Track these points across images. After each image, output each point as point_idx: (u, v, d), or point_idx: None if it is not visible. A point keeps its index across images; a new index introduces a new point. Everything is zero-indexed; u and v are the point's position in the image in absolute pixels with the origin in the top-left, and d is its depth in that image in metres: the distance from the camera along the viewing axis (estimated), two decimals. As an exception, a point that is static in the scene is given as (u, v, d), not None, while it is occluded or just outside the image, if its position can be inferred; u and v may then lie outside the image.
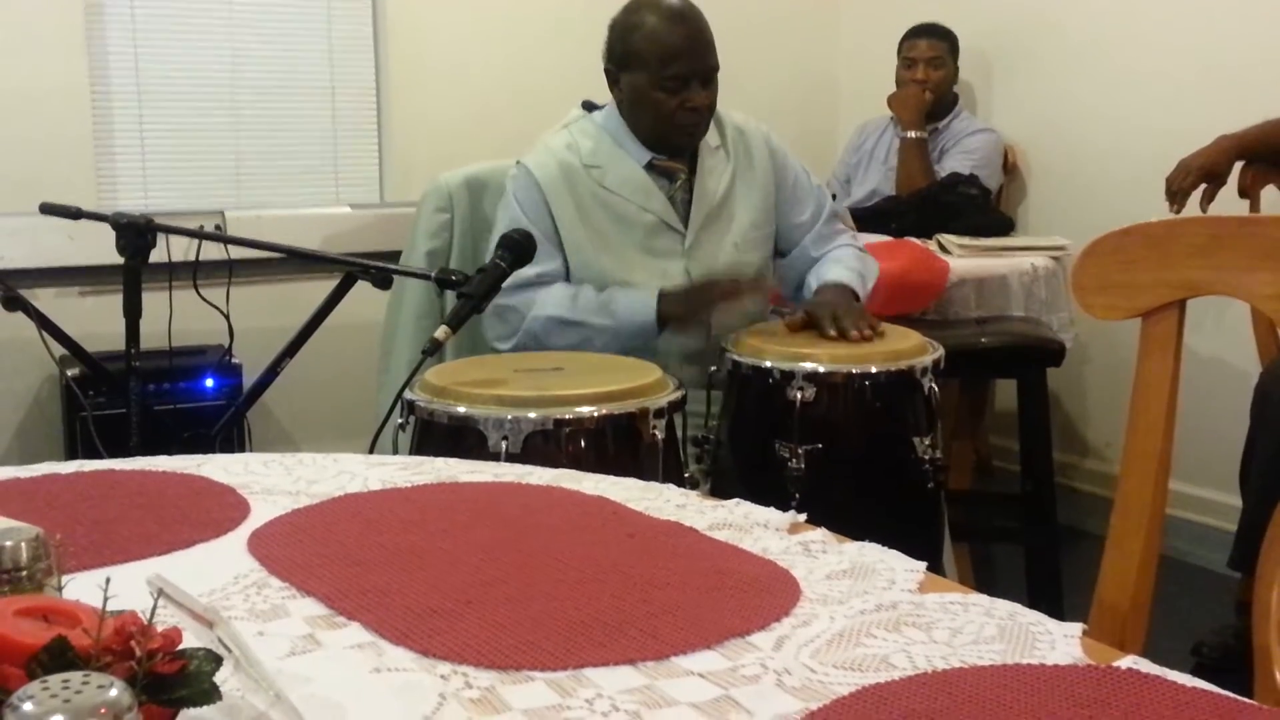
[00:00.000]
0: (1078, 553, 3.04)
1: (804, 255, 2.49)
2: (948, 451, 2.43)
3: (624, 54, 2.35)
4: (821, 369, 2.07)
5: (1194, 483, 3.30)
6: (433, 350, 1.98)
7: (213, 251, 2.79)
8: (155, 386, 2.96)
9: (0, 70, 3.23)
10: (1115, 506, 1.24)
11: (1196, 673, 0.76)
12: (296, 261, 2.98)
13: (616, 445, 1.85)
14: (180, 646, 0.65)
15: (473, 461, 1.31)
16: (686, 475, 2.01)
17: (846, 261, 2.42)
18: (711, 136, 2.44)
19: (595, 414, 1.83)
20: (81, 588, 0.73)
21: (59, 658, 0.61)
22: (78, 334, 2.73)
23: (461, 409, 1.83)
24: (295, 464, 1.27)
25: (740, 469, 2.19)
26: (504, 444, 1.79)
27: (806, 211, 2.51)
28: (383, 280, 2.40)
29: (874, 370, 2.09)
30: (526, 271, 2.22)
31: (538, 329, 2.29)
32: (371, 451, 1.96)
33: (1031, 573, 2.94)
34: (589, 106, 2.53)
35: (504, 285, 2.14)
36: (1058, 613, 0.85)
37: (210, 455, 1.30)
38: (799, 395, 2.05)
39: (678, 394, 1.93)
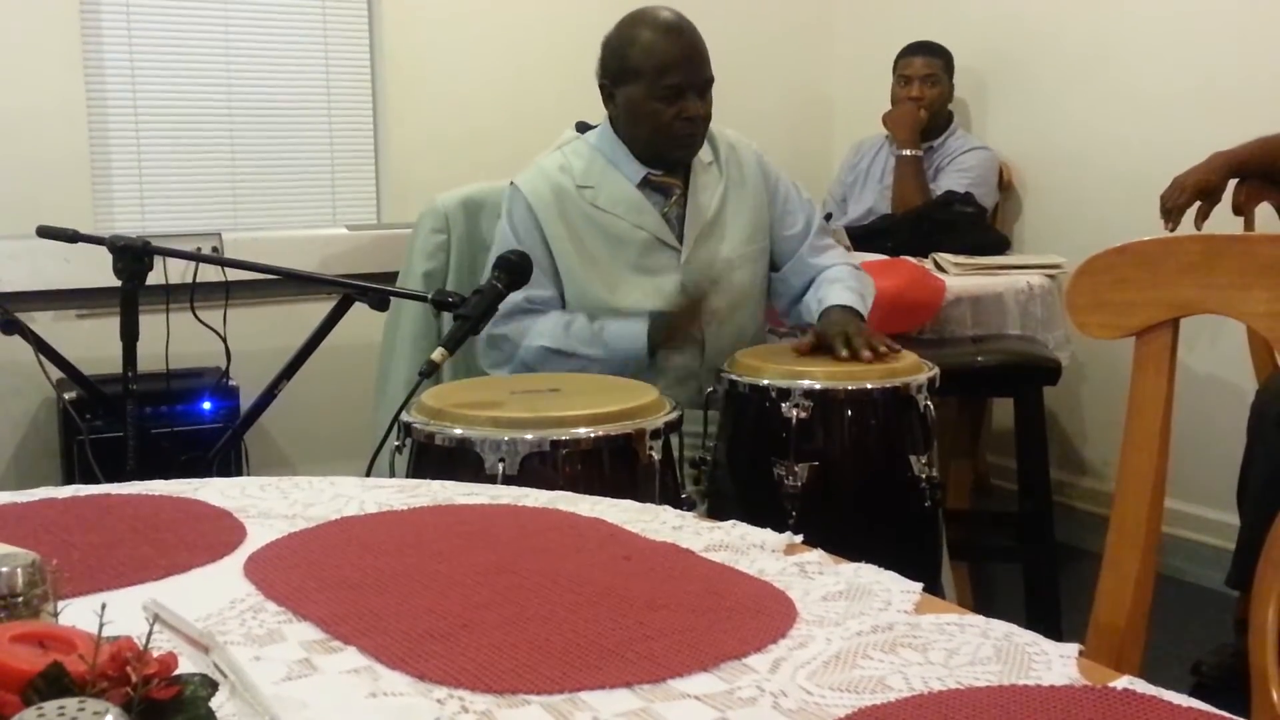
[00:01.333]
0: (1076, 571, 3.04)
1: (799, 267, 2.49)
2: (945, 471, 2.44)
3: (620, 68, 2.37)
4: (818, 386, 2.08)
5: (1191, 501, 3.30)
6: (429, 372, 1.98)
7: (210, 273, 2.79)
8: (152, 409, 2.96)
9: (-2, 94, 3.24)
10: (1111, 525, 1.24)
11: (1196, 692, 0.76)
12: (293, 283, 2.99)
13: (613, 466, 1.85)
14: (176, 672, 0.65)
15: (469, 484, 1.31)
16: (683, 496, 2.02)
17: (845, 281, 2.42)
18: (705, 153, 2.45)
19: (592, 435, 1.83)
20: (77, 613, 0.73)
21: (55, 684, 0.61)
22: (75, 357, 2.73)
23: (458, 431, 1.84)
24: (292, 487, 1.27)
25: (738, 489, 2.19)
26: (501, 466, 1.79)
27: (798, 224, 2.52)
28: (380, 302, 2.40)
29: (869, 387, 2.10)
30: (515, 296, 2.23)
31: (530, 359, 2.31)
32: (368, 474, 1.96)
33: (1030, 591, 2.93)
34: (582, 128, 2.54)
35: (495, 313, 2.14)
36: (1056, 631, 0.85)
37: (207, 479, 1.30)
38: (795, 413, 2.06)
39: (674, 414, 1.93)
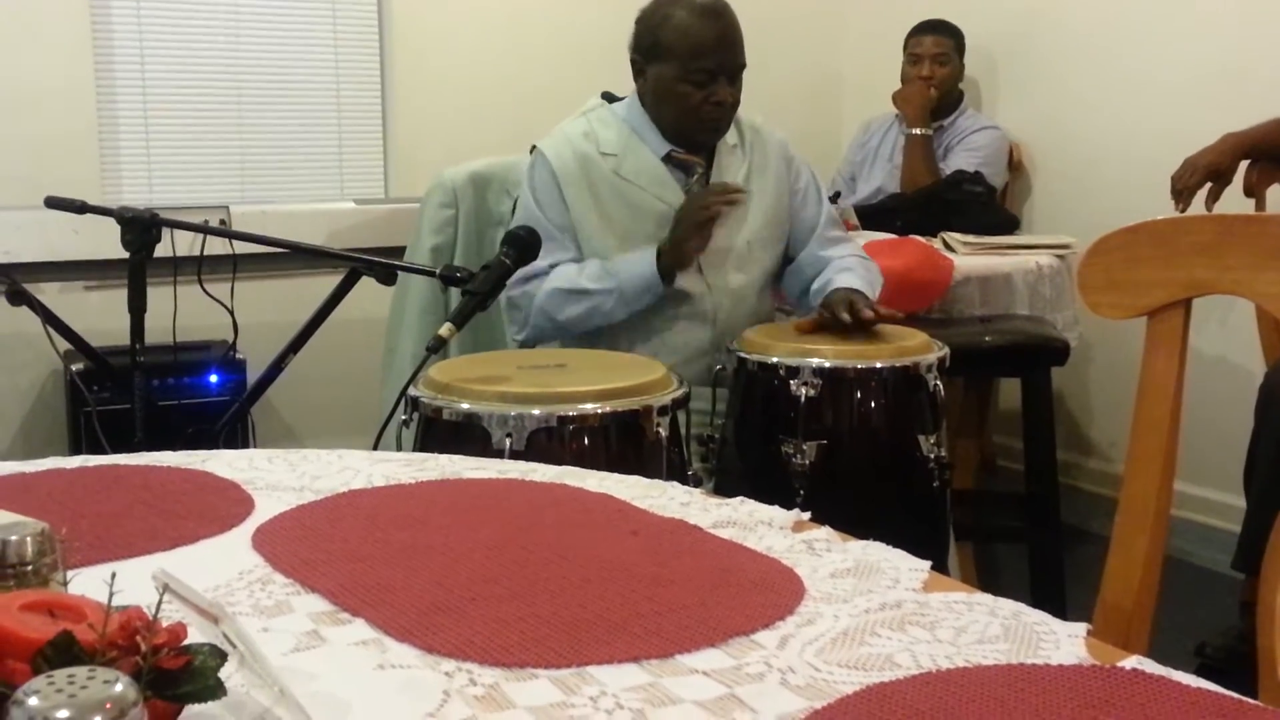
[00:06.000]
0: (1081, 552, 3.04)
1: (810, 258, 2.50)
2: (952, 451, 2.44)
3: (653, 45, 2.36)
4: (827, 364, 2.07)
5: (1198, 483, 3.30)
6: (437, 347, 1.98)
7: (217, 246, 2.79)
8: (160, 382, 2.97)
9: (6, 65, 3.24)
10: (1119, 507, 1.24)
11: (1200, 673, 0.76)
12: (301, 257, 2.98)
13: (620, 442, 1.85)
14: (185, 642, 0.65)
15: (476, 458, 1.31)
16: (690, 473, 2.01)
17: (854, 270, 2.42)
18: (730, 135, 2.45)
19: (599, 411, 1.83)
20: (87, 583, 0.73)
21: (64, 652, 0.61)
22: (82, 328, 2.73)
23: (465, 405, 1.83)
24: (299, 460, 1.27)
25: (745, 466, 2.19)
26: (508, 441, 1.79)
27: (816, 215, 2.52)
28: (387, 276, 2.40)
29: (879, 366, 2.09)
30: (539, 263, 2.23)
31: (545, 303, 2.31)
32: (375, 448, 1.96)
33: (1035, 572, 2.93)
34: (609, 98, 2.53)
35: (514, 279, 2.14)
36: (1061, 612, 0.84)
37: (214, 451, 1.30)
38: (804, 391, 2.06)
39: (681, 391, 1.93)
